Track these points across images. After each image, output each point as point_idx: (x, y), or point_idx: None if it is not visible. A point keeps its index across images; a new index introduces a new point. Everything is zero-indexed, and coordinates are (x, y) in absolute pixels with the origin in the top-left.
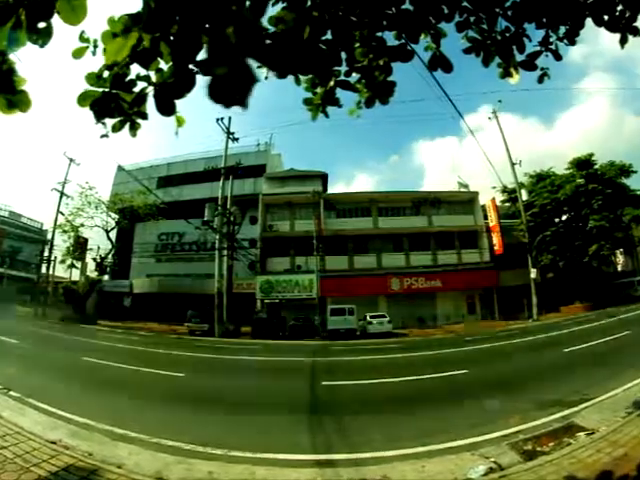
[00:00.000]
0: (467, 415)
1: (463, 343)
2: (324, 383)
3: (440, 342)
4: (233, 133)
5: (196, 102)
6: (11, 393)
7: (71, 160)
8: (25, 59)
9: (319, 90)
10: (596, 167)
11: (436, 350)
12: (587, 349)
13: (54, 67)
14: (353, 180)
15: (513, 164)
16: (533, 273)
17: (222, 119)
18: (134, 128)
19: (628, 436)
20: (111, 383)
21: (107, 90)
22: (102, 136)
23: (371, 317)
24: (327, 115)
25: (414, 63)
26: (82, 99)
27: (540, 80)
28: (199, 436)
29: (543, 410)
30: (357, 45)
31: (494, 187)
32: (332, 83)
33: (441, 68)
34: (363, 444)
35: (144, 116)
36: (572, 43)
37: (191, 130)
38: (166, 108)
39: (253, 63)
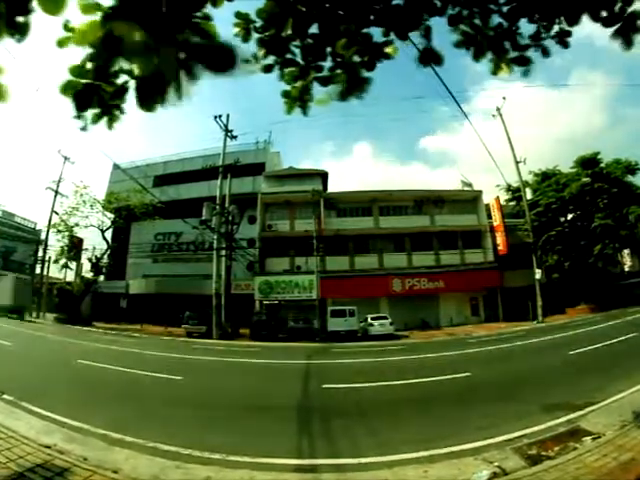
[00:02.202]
0: (470, 419)
1: (466, 345)
2: (324, 386)
3: (443, 344)
4: (231, 131)
5: (194, 100)
6: (4, 396)
7: (66, 158)
8: (19, 56)
9: (298, 84)
10: (602, 165)
11: (439, 352)
12: (593, 351)
13: (49, 64)
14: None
15: (517, 162)
16: (538, 274)
17: (220, 116)
18: (112, 120)
19: (635, 440)
20: (107, 386)
21: (89, 81)
22: (81, 129)
23: (372, 319)
24: (305, 112)
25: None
26: (64, 89)
27: (525, 74)
28: (197, 440)
29: (548, 413)
30: (343, 40)
31: (498, 185)
32: (311, 78)
33: (432, 62)
34: (364, 448)
35: (122, 110)
36: (564, 45)
37: (189, 128)
38: (148, 103)
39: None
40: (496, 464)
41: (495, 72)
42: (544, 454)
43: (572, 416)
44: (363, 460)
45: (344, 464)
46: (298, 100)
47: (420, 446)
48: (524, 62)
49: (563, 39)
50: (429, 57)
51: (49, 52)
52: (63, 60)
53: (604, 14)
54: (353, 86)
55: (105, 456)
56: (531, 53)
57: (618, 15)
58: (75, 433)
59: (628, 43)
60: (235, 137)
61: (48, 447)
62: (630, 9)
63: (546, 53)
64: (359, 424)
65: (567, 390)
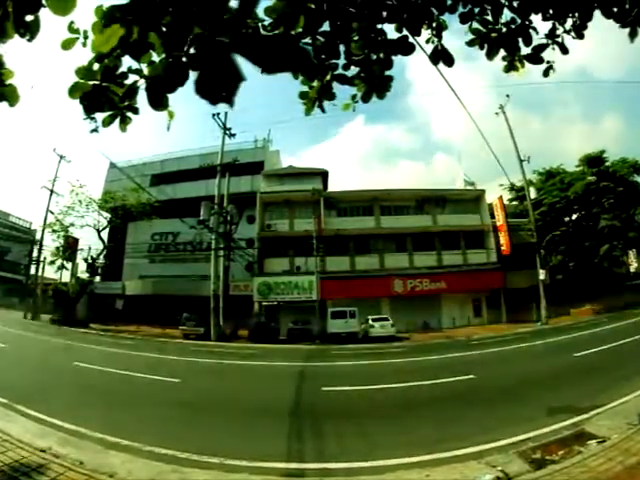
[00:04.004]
0: (473, 422)
1: (469, 347)
2: (324, 389)
3: (445, 346)
4: (230, 128)
5: (190, 97)
6: None
7: (61, 157)
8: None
9: (315, 84)
10: (607, 164)
11: (441, 354)
12: (598, 353)
13: (43, 61)
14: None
15: (521, 161)
16: (542, 274)
17: (218, 114)
18: (124, 122)
19: None
20: (103, 389)
21: (98, 83)
22: (92, 131)
23: (373, 320)
24: (324, 110)
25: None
26: (72, 92)
27: (545, 74)
28: (194, 444)
29: (552, 417)
30: (356, 37)
31: (501, 185)
32: (329, 77)
33: (443, 61)
34: (366, 452)
35: (135, 110)
36: (580, 37)
37: (186, 126)
38: (158, 102)
39: (241, 60)
40: (499, 468)
41: (508, 70)
42: (548, 458)
43: (577, 419)
44: (364, 464)
45: (345, 468)
46: (317, 100)
47: (422, 450)
48: (538, 60)
49: (580, 31)
50: (440, 56)
51: (43, 49)
52: (57, 56)
53: (615, 9)
54: (373, 85)
55: (101, 460)
56: (549, 51)
57: (629, 11)
58: (71, 436)
59: (632, 35)
60: (233, 135)
61: (43, 451)
62: None
63: (565, 50)
64: (360, 427)
65: (572, 393)
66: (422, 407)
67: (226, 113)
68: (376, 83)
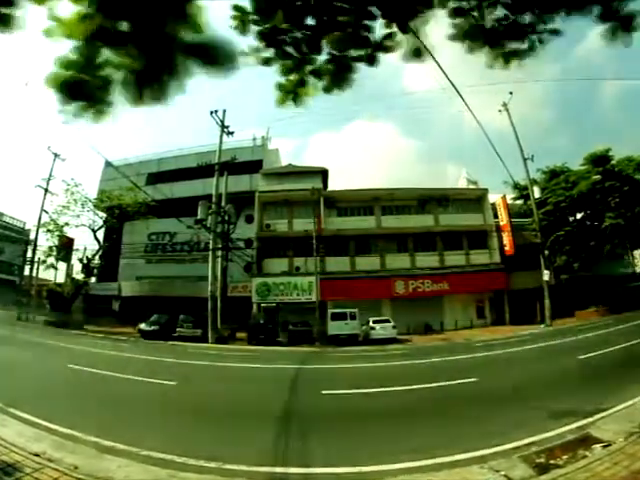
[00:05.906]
0: (476, 426)
1: (472, 349)
2: (324, 392)
3: (448, 348)
4: (228, 126)
5: (189, 95)
6: None
7: (56, 155)
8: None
9: (293, 77)
10: (613, 163)
11: (443, 357)
12: (603, 356)
13: (41, 59)
14: None
15: (525, 159)
16: (546, 275)
17: (216, 112)
18: (98, 114)
19: None
20: (98, 392)
21: (75, 74)
22: (64, 122)
23: (374, 322)
24: (297, 103)
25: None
26: (50, 81)
27: (506, 61)
28: (192, 448)
29: (557, 420)
30: (338, 34)
31: (505, 182)
32: (306, 70)
33: (419, 57)
34: (368, 457)
35: (108, 103)
36: (556, 33)
37: (185, 125)
38: (134, 95)
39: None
40: (503, 473)
41: (491, 65)
42: (553, 462)
43: (581, 423)
44: (365, 469)
45: (346, 473)
46: (292, 92)
47: (424, 454)
48: (521, 54)
49: (555, 30)
50: (419, 51)
51: (40, 45)
52: (54, 53)
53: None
54: (337, 79)
55: (96, 464)
56: (525, 43)
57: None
58: (65, 440)
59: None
60: (232, 133)
61: (37, 455)
62: None
63: (541, 41)
64: (360, 431)
65: (576, 396)
66: (424, 411)
67: (224, 111)
68: (341, 77)
